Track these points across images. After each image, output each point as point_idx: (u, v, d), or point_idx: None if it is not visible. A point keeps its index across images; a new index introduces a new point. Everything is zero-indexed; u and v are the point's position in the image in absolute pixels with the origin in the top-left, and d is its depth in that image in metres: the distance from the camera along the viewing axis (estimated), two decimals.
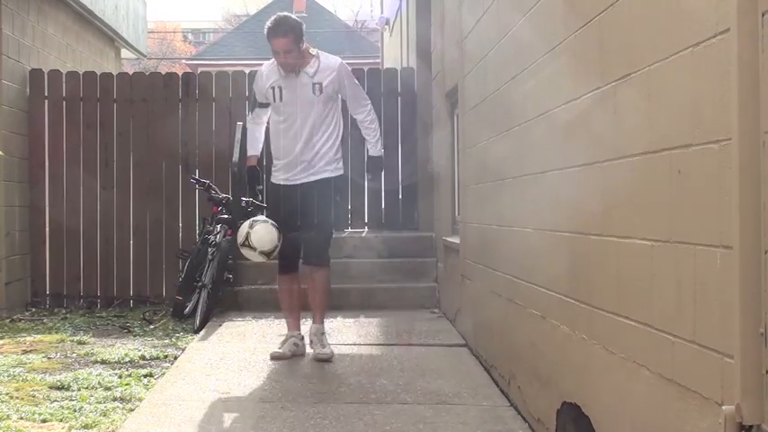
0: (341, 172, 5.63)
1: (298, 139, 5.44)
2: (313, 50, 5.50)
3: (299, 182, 5.49)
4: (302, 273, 5.63)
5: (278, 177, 5.60)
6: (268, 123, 5.72)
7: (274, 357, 5.44)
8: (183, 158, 8.77)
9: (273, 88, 5.45)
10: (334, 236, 5.82)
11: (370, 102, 5.77)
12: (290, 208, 5.54)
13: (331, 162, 5.51)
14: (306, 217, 5.51)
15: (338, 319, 6.97)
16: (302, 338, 5.65)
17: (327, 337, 5.64)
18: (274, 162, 5.64)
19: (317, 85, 5.40)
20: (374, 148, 5.75)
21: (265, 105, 5.61)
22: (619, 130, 2.77)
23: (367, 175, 5.50)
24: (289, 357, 5.46)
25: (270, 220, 5.52)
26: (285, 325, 5.79)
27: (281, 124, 5.51)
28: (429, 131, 8.31)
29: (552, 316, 3.58)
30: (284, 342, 5.63)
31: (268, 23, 5.40)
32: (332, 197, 5.60)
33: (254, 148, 5.80)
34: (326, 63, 5.48)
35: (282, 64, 5.40)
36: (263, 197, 6.39)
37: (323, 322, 5.62)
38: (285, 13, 5.58)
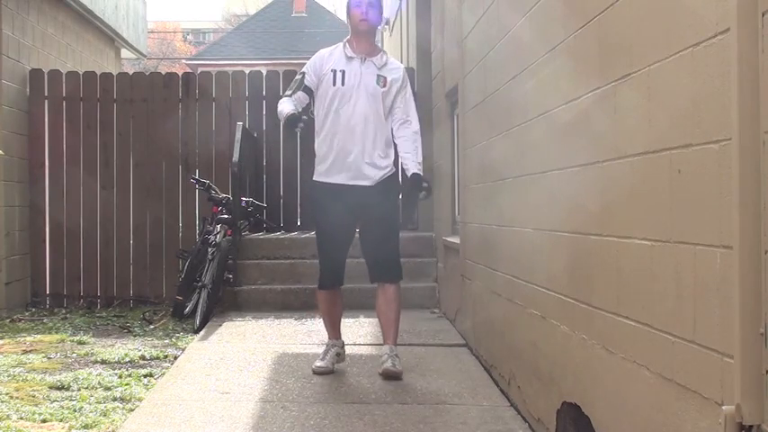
0: (395, 169, 5.19)
1: (354, 131, 4.95)
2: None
3: (360, 183, 4.99)
4: (381, 293, 5.20)
5: (328, 176, 5.03)
6: (312, 116, 5.06)
7: (318, 372, 5.01)
8: (183, 158, 8.79)
9: (335, 71, 4.96)
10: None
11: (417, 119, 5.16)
12: (344, 213, 5.02)
13: (389, 158, 5.08)
14: (374, 226, 5.08)
15: None
16: (343, 345, 5.29)
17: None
18: (323, 158, 5.03)
19: (381, 77, 5.00)
20: (416, 163, 5.03)
21: (310, 91, 5.04)
22: (619, 130, 2.76)
23: (420, 195, 5.02)
24: (332, 371, 5.06)
25: None
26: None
27: (333, 114, 4.96)
28: (429, 131, 8.29)
29: (552, 316, 3.58)
30: (326, 353, 5.18)
31: None
32: (395, 200, 5.17)
33: (291, 108, 4.91)
34: (394, 62, 5.16)
35: (361, 21, 4.96)
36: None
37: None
38: None
